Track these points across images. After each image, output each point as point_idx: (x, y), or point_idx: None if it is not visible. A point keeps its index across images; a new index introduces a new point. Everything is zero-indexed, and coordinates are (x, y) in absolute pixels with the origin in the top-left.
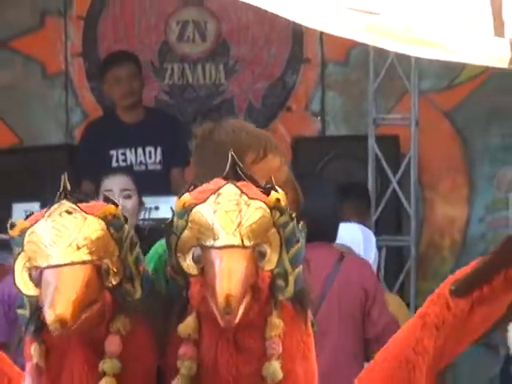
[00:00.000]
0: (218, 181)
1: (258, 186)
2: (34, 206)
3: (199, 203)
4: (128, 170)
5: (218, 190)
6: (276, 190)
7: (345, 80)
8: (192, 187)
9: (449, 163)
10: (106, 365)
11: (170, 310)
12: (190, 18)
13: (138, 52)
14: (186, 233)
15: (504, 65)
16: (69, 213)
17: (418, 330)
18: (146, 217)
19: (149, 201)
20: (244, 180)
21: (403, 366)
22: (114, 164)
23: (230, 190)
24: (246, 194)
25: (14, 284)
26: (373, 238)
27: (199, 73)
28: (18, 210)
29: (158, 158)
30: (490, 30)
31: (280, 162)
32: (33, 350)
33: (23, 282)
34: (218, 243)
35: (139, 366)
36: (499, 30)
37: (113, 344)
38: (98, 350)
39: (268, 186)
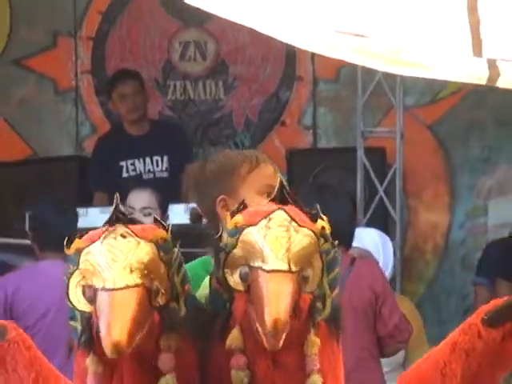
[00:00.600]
0: (269, 204)
1: (302, 209)
2: None
3: (251, 225)
4: (138, 178)
5: (270, 214)
6: (322, 218)
7: (335, 96)
8: (242, 207)
9: (431, 173)
10: (164, 381)
11: (212, 322)
12: (192, 38)
13: (143, 70)
14: (236, 251)
15: (482, 82)
16: (123, 237)
17: (447, 354)
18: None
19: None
20: (291, 204)
21: None
22: (125, 174)
23: (280, 216)
24: (296, 221)
25: (68, 298)
26: (390, 243)
27: (200, 89)
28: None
29: (165, 166)
30: (469, 49)
31: (273, 169)
32: (89, 361)
33: (76, 298)
34: (266, 266)
35: (186, 380)
36: (477, 49)
37: (167, 361)
38: (145, 364)
39: (314, 211)
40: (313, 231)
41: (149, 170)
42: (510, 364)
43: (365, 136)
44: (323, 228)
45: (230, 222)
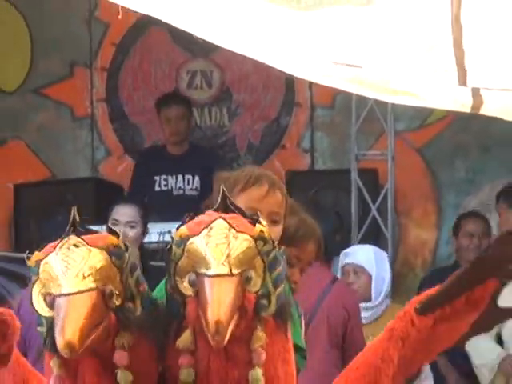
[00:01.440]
0: (211, 213)
1: (245, 216)
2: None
3: (194, 235)
4: (168, 193)
5: (210, 223)
6: (260, 222)
7: (331, 122)
8: (188, 219)
9: (420, 193)
10: (122, 376)
11: (170, 325)
12: (198, 68)
13: (154, 97)
14: (183, 260)
15: (467, 110)
16: (76, 246)
17: (385, 341)
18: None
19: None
20: (233, 212)
21: (372, 371)
22: (157, 188)
23: (220, 225)
24: (234, 228)
25: (32, 306)
26: (386, 259)
27: (206, 115)
28: None
29: (195, 185)
30: (455, 79)
31: (267, 189)
32: (52, 363)
33: (40, 305)
34: (209, 272)
35: (144, 375)
36: (462, 79)
37: (121, 357)
38: (105, 361)
39: (254, 216)
40: (251, 236)
41: (179, 187)
42: (439, 348)
43: (358, 159)
44: (261, 231)
45: (176, 233)
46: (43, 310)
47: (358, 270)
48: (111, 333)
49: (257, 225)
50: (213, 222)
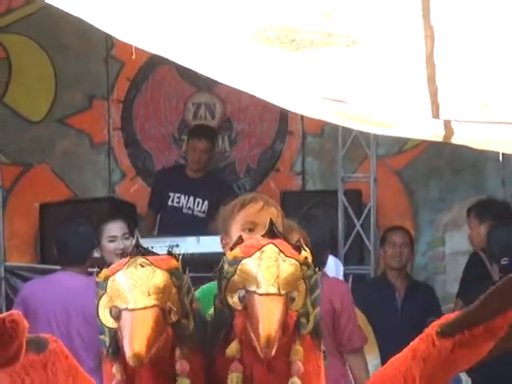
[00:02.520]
0: (260, 238)
1: (289, 242)
2: None
3: (246, 257)
4: (177, 210)
5: (262, 247)
6: (305, 249)
7: (320, 148)
8: (240, 241)
9: (399, 211)
10: (181, 382)
11: (216, 335)
12: (202, 101)
13: (163, 127)
14: (235, 278)
15: (439, 139)
16: (142, 266)
17: (408, 359)
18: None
19: (192, 239)
20: (279, 237)
21: None
22: (169, 203)
23: (271, 249)
24: (283, 253)
25: (97, 317)
26: (341, 266)
27: None
28: None
29: (204, 208)
30: (429, 112)
31: (262, 205)
32: (114, 369)
33: (105, 317)
34: (260, 290)
35: (196, 382)
36: (435, 112)
37: (183, 366)
38: (161, 371)
39: (297, 243)
40: (297, 260)
41: (189, 207)
42: (457, 369)
43: (344, 180)
44: (306, 258)
45: (230, 254)
46: (108, 321)
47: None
48: (168, 345)
49: (302, 251)
50: (264, 246)
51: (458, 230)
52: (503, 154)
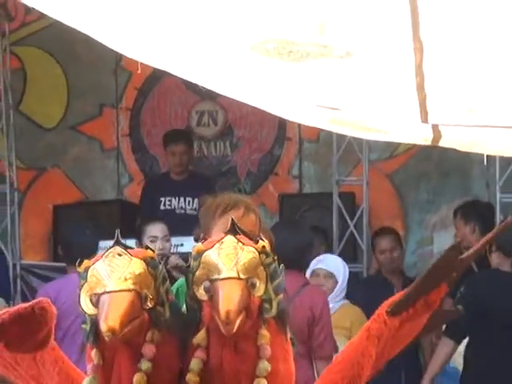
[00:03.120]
0: (222, 234)
1: (250, 238)
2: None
3: (208, 249)
4: (171, 212)
5: (221, 239)
6: (263, 240)
7: (316, 153)
8: (203, 240)
9: (390, 212)
10: (142, 364)
11: (189, 327)
12: (206, 109)
13: None
14: (199, 271)
15: (428, 143)
16: (119, 255)
17: (364, 339)
18: (185, 250)
19: (189, 239)
20: (240, 234)
21: (354, 365)
22: (162, 207)
23: (229, 239)
24: (241, 242)
25: (80, 306)
26: (347, 267)
27: (212, 148)
28: None
29: (195, 206)
30: (418, 117)
31: (243, 212)
32: (93, 354)
33: (86, 305)
34: (221, 276)
35: (166, 367)
36: (424, 117)
37: (148, 350)
38: (137, 353)
39: (257, 238)
40: (255, 249)
41: (181, 207)
42: (401, 344)
43: (339, 184)
44: (263, 247)
45: (194, 250)
46: (89, 308)
47: (328, 275)
48: (143, 329)
49: (260, 241)
50: (223, 238)
51: (445, 229)
52: (487, 158)
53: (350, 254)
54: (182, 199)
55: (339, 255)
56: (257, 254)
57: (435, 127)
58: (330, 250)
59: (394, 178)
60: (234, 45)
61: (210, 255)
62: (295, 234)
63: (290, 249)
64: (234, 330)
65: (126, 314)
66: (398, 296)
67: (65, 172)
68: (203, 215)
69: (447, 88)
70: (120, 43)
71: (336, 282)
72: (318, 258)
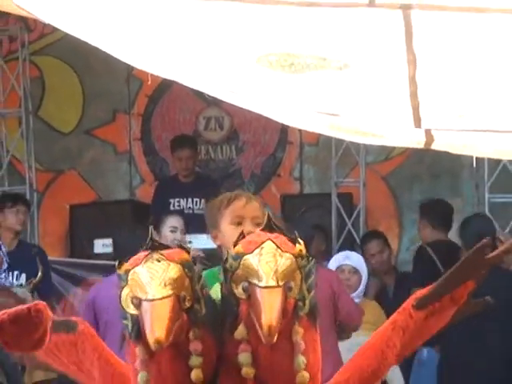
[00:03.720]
0: (260, 233)
1: (285, 235)
2: (108, 241)
3: (248, 253)
4: (180, 212)
5: (261, 244)
6: (299, 242)
7: (316, 156)
8: (242, 237)
9: (385, 211)
10: (193, 360)
11: (225, 320)
12: (212, 114)
13: None
14: (239, 271)
15: (421, 146)
16: (158, 261)
17: (390, 330)
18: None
19: (202, 236)
20: (276, 231)
21: (379, 354)
22: (172, 208)
23: (269, 245)
24: (280, 248)
25: (120, 304)
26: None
27: (218, 151)
28: (98, 244)
29: (201, 206)
30: (411, 123)
31: (246, 200)
32: (138, 351)
33: (127, 305)
34: (261, 284)
35: (208, 360)
36: (417, 123)
37: (196, 346)
38: (179, 350)
39: (292, 236)
40: (293, 254)
41: (189, 207)
42: (427, 335)
43: (337, 185)
44: (301, 250)
45: (233, 250)
46: (129, 308)
47: (353, 271)
48: (184, 328)
49: (297, 245)
50: (263, 242)
51: None
52: (476, 161)
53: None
54: (189, 200)
55: (337, 252)
56: (294, 259)
57: (428, 131)
58: (329, 247)
59: (389, 180)
60: (240, 57)
61: (251, 261)
62: (295, 229)
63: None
64: (274, 341)
65: (170, 322)
66: (425, 290)
67: (80, 174)
68: (209, 211)
69: (439, 96)
70: (131, 56)
71: (359, 278)
72: (342, 254)
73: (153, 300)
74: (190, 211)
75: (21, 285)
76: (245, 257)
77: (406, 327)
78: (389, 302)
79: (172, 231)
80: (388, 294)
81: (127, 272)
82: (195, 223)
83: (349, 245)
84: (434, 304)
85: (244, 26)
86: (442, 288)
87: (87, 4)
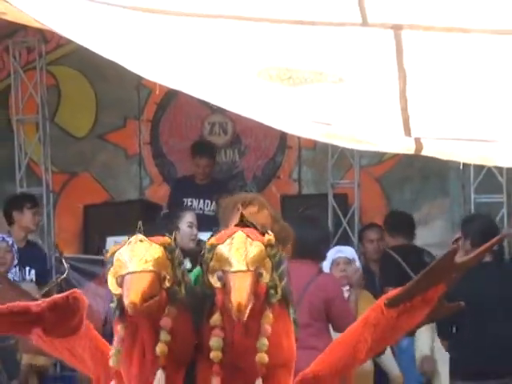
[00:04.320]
0: (233, 228)
1: (257, 229)
2: (121, 239)
3: (220, 243)
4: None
5: (232, 235)
6: (268, 233)
7: (313, 159)
8: (216, 233)
9: (378, 211)
10: (162, 335)
11: (204, 306)
12: (217, 120)
13: (184, 142)
14: (213, 262)
15: (411, 152)
16: (141, 241)
17: (361, 326)
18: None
19: (203, 234)
20: (249, 226)
21: (349, 349)
22: (184, 206)
23: (239, 235)
24: (250, 237)
25: (108, 287)
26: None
27: (222, 155)
28: (110, 241)
29: (212, 208)
30: (402, 132)
31: (257, 208)
32: (119, 328)
33: (113, 286)
34: (232, 269)
35: (183, 340)
36: (407, 132)
37: (165, 322)
38: (157, 327)
39: (263, 230)
40: (262, 243)
41: (200, 208)
42: (400, 333)
43: (333, 186)
44: (269, 240)
45: (207, 243)
46: (115, 288)
47: (347, 262)
48: (162, 306)
49: (266, 235)
50: (234, 233)
51: (426, 226)
52: (463, 164)
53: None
54: (201, 201)
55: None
56: (263, 247)
57: (417, 140)
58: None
59: (381, 181)
60: (242, 71)
61: (222, 249)
62: (314, 229)
63: (309, 241)
64: (245, 319)
65: (146, 291)
66: (397, 290)
67: (93, 175)
68: (223, 210)
69: (427, 109)
70: (141, 67)
71: (355, 267)
72: (334, 249)
73: (134, 272)
74: (201, 211)
75: (31, 280)
76: (217, 247)
77: (378, 324)
78: (376, 290)
79: (189, 226)
80: (375, 282)
81: (113, 254)
82: (204, 223)
83: (344, 242)
84: (406, 303)
85: (247, 42)
86: (414, 289)
87: (100, 19)
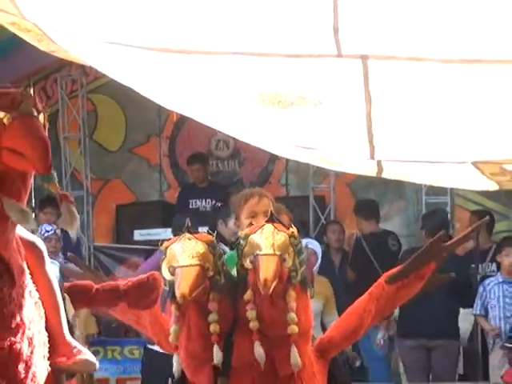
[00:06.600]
0: (264, 222)
1: (283, 224)
2: (145, 232)
3: (252, 233)
4: (196, 210)
5: (262, 227)
6: (292, 228)
7: (298, 168)
8: (249, 225)
9: (349, 210)
10: (211, 317)
11: (239, 288)
12: (221, 137)
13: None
14: (246, 248)
15: (373, 174)
16: (189, 239)
17: (366, 299)
18: None
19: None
20: (276, 222)
21: (357, 319)
22: (190, 206)
23: (268, 227)
24: (277, 229)
25: (161, 274)
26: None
27: (225, 165)
28: (136, 233)
29: (211, 205)
30: (367, 154)
31: (258, 198)
32: (173, 308)
33: (166, 273)
34: (262, 252)
35: (225, 317)
36: (371, 154)
37: (213, 306)
38: (203, 309)
39: (288, 225)
40: (287, 234)
41: (203, 206)
42: (399, 303)
43: (314, 190)
44: (293, 232)
45: (242, 233)
46: (168, 276)
47: (312, 253)
48: (207, 292)
49: (290, 229)
50: (264, 226)
51: (386, 222)
52: None
53: (321, 239)
54: (203, 201)
55: (314, 239)
56: (288, 237)
57: (379, 162)
58: (308, 236)
59: (351, 186)
60: (241, 96)
61: (254, 238)
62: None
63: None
64: (270, 292)
65: (193, 283)
66: (395, 270)
67: (123, 181)
68: (232, 206)
69: (390, 131)
70: (160, 99)
71: (316, 258)
72: (304, 241)
73: (183, 266)
74: (204, 209)
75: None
76: (250, 236)
77: (380, 297)
78: (335, 276)
79: (235, 224)
80: (335, 269)
81: (166, 248)
82: (208, 219)
83: (322, 235)
84: (403, 280)
85: (245, 72)
86: (410, 268)
87: (124, 57)
